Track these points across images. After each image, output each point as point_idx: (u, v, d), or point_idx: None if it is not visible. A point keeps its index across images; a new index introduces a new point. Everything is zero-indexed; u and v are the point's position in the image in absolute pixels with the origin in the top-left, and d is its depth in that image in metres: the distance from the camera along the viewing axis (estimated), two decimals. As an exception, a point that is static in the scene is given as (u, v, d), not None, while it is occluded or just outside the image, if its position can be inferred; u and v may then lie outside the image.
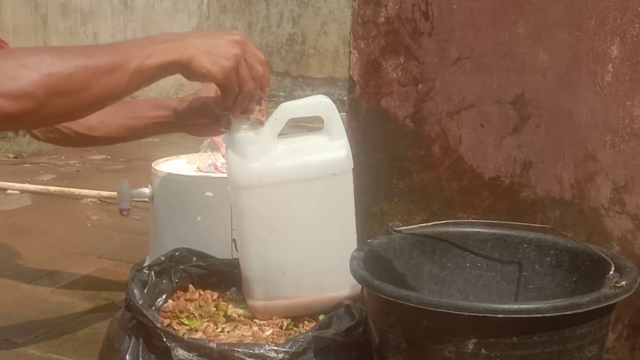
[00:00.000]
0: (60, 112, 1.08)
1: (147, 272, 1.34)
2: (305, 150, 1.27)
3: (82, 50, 1.11)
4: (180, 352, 1.14)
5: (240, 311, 1.35)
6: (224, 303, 1.38)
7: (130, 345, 1.21)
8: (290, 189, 1.26)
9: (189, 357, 1.14)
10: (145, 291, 1.29)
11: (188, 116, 1.45)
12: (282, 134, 1.28)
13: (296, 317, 1.33)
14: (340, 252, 1.21)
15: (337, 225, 1.30)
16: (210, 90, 1.42)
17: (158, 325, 1.17)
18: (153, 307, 1.27)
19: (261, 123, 1.26)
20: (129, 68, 1.09)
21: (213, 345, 1.14)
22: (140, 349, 1.20)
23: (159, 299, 1.33)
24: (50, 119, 1.16)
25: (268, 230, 1.27)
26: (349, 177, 1.29)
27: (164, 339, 1.15)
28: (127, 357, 1.20)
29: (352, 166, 1.29)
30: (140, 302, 1.22)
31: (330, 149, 1.28)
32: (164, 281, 1.36)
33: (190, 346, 1.15)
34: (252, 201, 1.26)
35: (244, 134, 1.25)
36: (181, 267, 1.39)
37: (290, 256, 1.28)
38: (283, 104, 1.27)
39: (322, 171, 1.27)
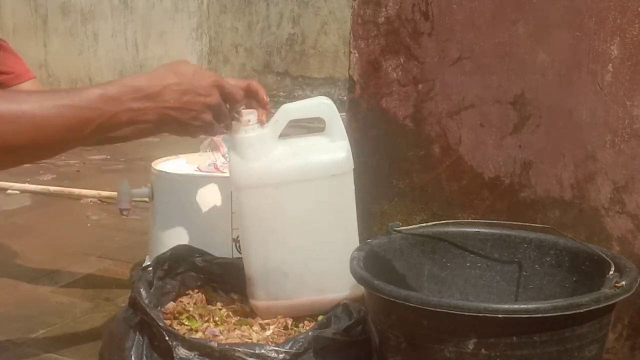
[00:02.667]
0: (5, 161, 1.07)
1: (151, 272, 1.34)
2: (306, 151, 1.28)
3: (32, 102, 1.04)
4: (181, 350, 1.15)
5: (241, 310, 1.35)
6: (223, 303, 1.38)
7: (135, 343, 1.21)
8: (290, 190, 1.26)
9: (190, 356, 1.15)
10: (151, 291, 1.29)
11: None
12: (283, 134, 1.28)
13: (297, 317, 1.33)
14: (341, 253, 1.21)
15: (338, 227, 1.30)
16: None
17: (161, 324, 1.18)
18: (159, 308, 1.28)
19: (262, 124, 1.26)
20: (85, 131, 1.07)
21: (214, 344, 1.15)
22: (144, 347, 1.20)
23: (164, 299, 1.33)
24: None
25: (268, 230, 1.28)
26: (349, 178, 1.29)
27: (167, 338, 1.16)
28: (132, 354, 1.20)
29: (352, 167, 1.29)
30: (146, 302, 1.22)
31: (330, 150, 1.28)
32: (169, 281, 1.36)
33: (192, 345, 1.15)
34: (253, 201, 1.26)
35: (245, 135, 1.25)
36: (185, 267, 1.40)
37: (290, 256, 1.29)
38: (284, 105, 1.28)
39: (321, 172, 1.27)
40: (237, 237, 1.62)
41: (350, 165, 1.29)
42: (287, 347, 1.15)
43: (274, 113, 1.28)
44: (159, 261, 1.38)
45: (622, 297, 0.99)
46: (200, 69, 1.20)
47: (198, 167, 1.81)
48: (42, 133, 1.04)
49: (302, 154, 1.27)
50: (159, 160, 1.84)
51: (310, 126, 1.37)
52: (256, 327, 1.30)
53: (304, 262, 1.29)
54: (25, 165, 3.71)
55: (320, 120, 1.30)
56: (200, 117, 1.16)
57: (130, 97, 1.10)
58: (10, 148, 1.02)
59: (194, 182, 1.72)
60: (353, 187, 1.30)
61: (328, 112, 1.29)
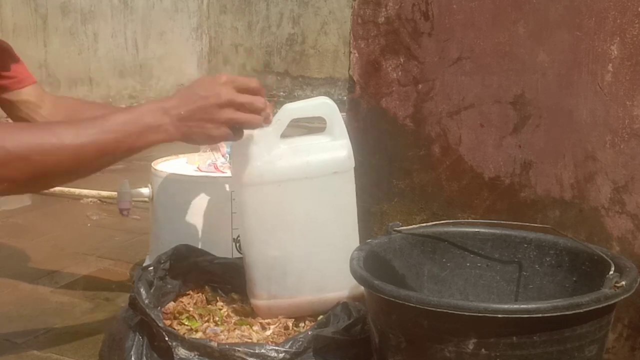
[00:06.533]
0: (39, 188, 1.22)
1: (152, 272, 1.34)
2: (307, 149, 1.29)
3: (69, 133, 1.13)
4: (181, 351, 1.15)
5: (241, 310, 1.35)
6: (224, 303, 1.38)
7: (135, 343, 1.21)
8: (292, 187, 1.27)
9: (190, 356, 1.15)
10: (151, 291, 1.29)
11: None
12: (283, 135, 1.29)
13: (298, 317, 1.33)
14: (341, 251, 1.21)
15: (338, 225, 1.31)
16: None
17: (161, 324, 1.18)
18: (159, 308, 1.28)
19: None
20: (117, 153, 1.15)
21: (214, 344, 1.15)
22: (144, 347, 1.20)
23: (165, 299, 1.33)
24: (28, 191, 1.29)
25: (270, 228, 1.28)
26: (350, 176, 1.30)
27: (166, 338, 1.16)
28: (132, 354, 1.20)
29: (353, 165, 1.30)
30: (146, 302, 1.22)
31: (331, 149, 1.29)
32: (170, 281, 1.36)
33: (192, 345, 1.15)
34: (254, 199, 1.27)
35: (248, 133, 1.26)
36: (185, 267, 1.40)
37: (291, 254, 1.29)
38: (286, 104, 1.29)
39: (323, 170, 1.28)
40: (237, 237, 1.62)
41: (351, 163, 1.30)
42: (287, 347, 1.15)
43: (275, 112, 1.29)
44: (159, 261, 1.38)
45: (622, 297, 0.99)
46: (207, 76, 1.23)
47: (198, 167, 1.81)
48: (80, 160, 1.13)
49: (304, 152, 1.29)
50: (159, 160, 1.84)
51: (310, 126, 1.38)
52: (256, 327, 1.30)
53: (305, 260, 1.30)
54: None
55: (319, 121, 1.31)
56: (216, 118, 1.17)
57: (148, 116, 1.16)
58: (50, 176, 1.14)
59: (194, 182, 1.72)
60: (354, 185, 1.32)
61: (329, 111, 1.30)
